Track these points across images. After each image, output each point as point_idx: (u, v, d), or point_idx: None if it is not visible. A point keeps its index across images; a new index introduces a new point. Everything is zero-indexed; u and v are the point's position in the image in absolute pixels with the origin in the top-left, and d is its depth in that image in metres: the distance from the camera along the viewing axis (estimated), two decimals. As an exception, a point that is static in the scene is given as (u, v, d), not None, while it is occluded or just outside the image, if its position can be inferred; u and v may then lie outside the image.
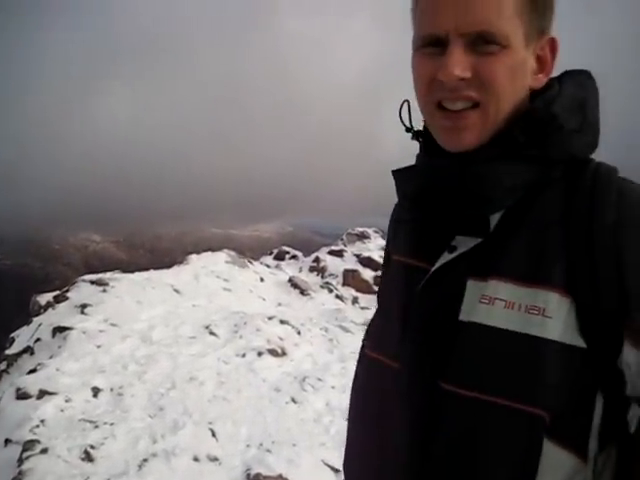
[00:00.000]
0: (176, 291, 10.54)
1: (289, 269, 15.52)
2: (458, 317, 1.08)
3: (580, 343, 1.02)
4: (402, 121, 1.23)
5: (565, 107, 1.10)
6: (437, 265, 1.14)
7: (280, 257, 16.79)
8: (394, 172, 1.21)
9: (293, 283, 13.66)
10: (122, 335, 7.80)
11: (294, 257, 16.77)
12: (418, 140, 1.24)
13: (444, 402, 1.06)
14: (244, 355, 7.71)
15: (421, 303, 1.14)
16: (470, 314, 1.07)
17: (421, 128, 1.25)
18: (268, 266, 15.48)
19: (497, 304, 1.05)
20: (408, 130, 1.24)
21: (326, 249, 16.45)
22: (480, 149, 1.08)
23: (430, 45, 1.07)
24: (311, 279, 14.68)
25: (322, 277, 14.90)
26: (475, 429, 1.03)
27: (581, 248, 1.03)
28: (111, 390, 6.22)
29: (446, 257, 1.13)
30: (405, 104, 1.22)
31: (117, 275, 10.79)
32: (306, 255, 16.76)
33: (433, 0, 1.06)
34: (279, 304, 12.14)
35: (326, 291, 13.82)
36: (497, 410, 1.01)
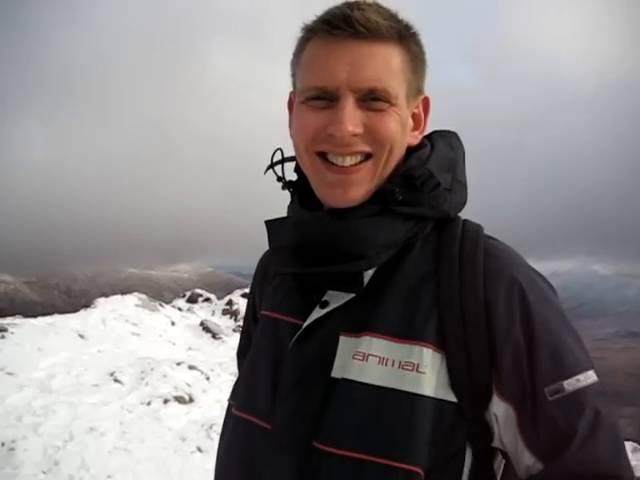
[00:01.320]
0: (81, 336, 10.17)
1: (202, 312, 15.28)
2: (331, 374, 1.07)
3: (451, 397, 1.03)
4: (274, 170, 1.21)
5: (438, 166, 1.13)
6: (309, 321, 1.11)
7: (193, 300, 16.51)
8: (267, 222, 1.19)
9: (205, 327, 13.45)
10: (18, 384, 7.39)
11: (207, 300, 16.55)
12: (289, 190, 1.23)
13: (319, 462, 1.03)
14: (149, 403, 7.47)
15: (293, 360, 1.12)
16: (343, 371, 1.06)
17: (293, 178, 1.24)
18: (180, 309, 15.18)
19: (371, 360, 1.04)
20: (280, 179, 1.22)
21: (240, 291, 16.31)
22: (360, 206, 1.09)
23: (318, 98, 1.08)
24: (224, 322, 14.51)
25: (235, 320, 14.72)
26: None
27: (452, 304, 1.05)
28: (2, 445, 5.87)
29: (318, 312, 1.11)
30: (278, 152, 1.21)
31: (17, 320, 10.30)
32: (221, 297, 16.56)
33: (324, 54, 1.07)
34: (189, 348, 11.89)
35: (238, 335, 13.61)
36: (373, 468, 1.00)
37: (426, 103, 1.19)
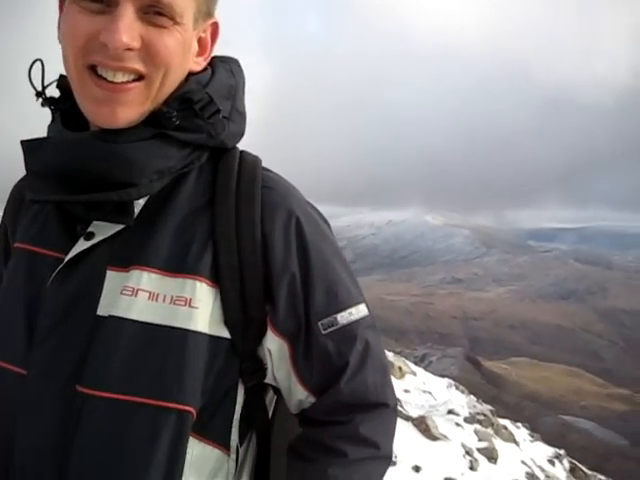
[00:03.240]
0: None
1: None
2: (97, 312, 0.99)
3: (225, 334, 1.01)
4: (32, 84, 1.05)
5: (218, 92, 1.07)
6: (72, 254, 1.01)
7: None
8: (23, 143, 1.03)
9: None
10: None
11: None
12: (50, 108, 1.08)
13: (83, 407, 0.96)
14: None
15: (52, 299, 1.01)
16: (110, 308, 0.98)
17: (55, 94, 1.08)
18: None
19: (140, 295, 0.98)
20: (39, 95, 1.06)
21: None
22: (132, 128, 0.99)
23: (93, 0, 0.94)
24: None
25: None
26: (120, 431, 0.96)
27: (228, 237, 1.03)
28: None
29: (83, 244, 1.01)
30: (38, 63, 1.04)
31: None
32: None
33: None
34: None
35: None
36: (143, 410, 0.96)
37: (215, 28, 1.10)
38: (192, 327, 0.99)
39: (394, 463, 6.89)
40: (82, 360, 0.98)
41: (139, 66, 0.96)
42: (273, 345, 1.07)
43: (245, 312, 1.03)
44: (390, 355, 11.15)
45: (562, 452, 10.15)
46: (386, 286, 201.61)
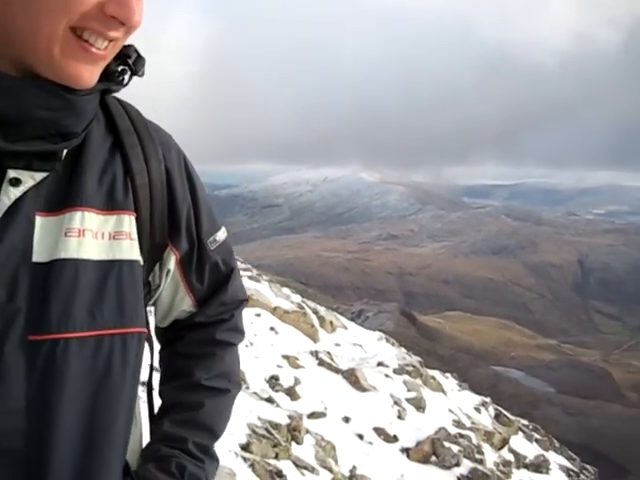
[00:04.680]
0: None
1: None
2: (32, 259, 0.97)
3: (141, 260, 1.11)
4: None
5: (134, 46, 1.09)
6: (3, 206, 0.95)
7: None
8: None
9: None
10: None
11: None
12: None
13: (55, 354, 0.96)
14: None
15: None
16: (53, 252, 0.99)
17: None
18: None
19: (87, 235, 1.02)
20: None
21: None
22: None
23: None
24: None
25: None
26: (99, 367, 1.01)
27: (141, 173, 1.13)
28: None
29: (10, 192, 0.96)
30: None
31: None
32: None
33: None
34: None
35: None
36: (112, 341, 1.02)
37: None
38: (135, 257, 1.10)
39: (324, 414, 7.08)
40: (35, 309, 0.97)
41: (120, 34, 0.98)
42: (171, 265, 1.22)
43: (154, 239, 1.16)
44: (322, 310, 11.14)
45: (488, 400, 10.67)
46: (323, 243, 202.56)
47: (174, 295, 1.27)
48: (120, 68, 1.07)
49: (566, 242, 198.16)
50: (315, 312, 10.57)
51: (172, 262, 1.22)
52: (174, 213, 1.19)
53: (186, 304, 1.29)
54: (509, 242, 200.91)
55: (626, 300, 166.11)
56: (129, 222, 1.09)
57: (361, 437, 7.05)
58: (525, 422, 11.88)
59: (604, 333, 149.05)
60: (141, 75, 1.10)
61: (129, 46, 1.07)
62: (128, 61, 1.07)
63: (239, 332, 1.38)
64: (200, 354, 1.30)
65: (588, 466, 11.77)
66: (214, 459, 1.27)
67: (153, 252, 1.17)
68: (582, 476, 10.86)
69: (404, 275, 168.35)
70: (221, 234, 1.31)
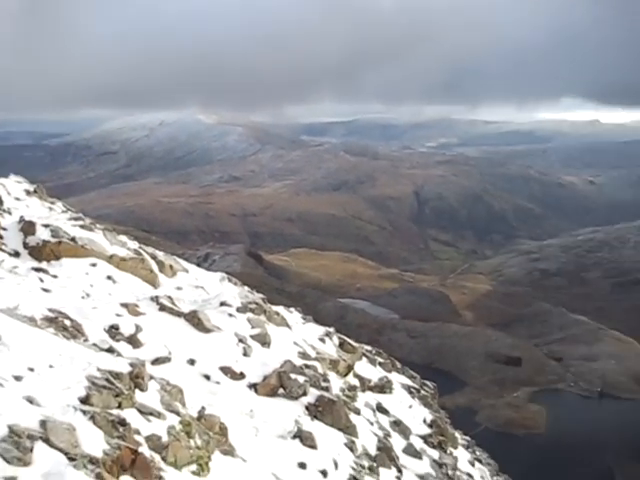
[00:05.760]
0: None
1: None
2: None
3: None
4: None
5: None
6: None
7: None
8: None
9: None
10: None
11: None
12: None
13: None
14: None
15: None
16: None
17: None
18: None
19: None
20: None
21: None
22: None
23: None
24: None
25: None
26: None
27: None
28: None
29: None
30: None
31: None
32: None
33: None
34: None
35: None
36: None
37: None
38: None
39: (168, 359, 6.96)
40: None
41: None
42: None
43: None
44: (160, 255, 10.78)
45: (332, 330, 10.88)
46: (163, 188, 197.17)
47: None
48: None
49: (402, 175, 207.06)
50: (153, 257, 10.19)
51: None
52: None
53: None
54: (348, 177, 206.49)
55: (458, 227, 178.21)
56: None
57: (208, 378, 7.05)
58: (369, 348, 12.41)
59: (440, 259, 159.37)
60: None
61: None
62: None
63: None
64: None
65: (428, 382, 12.73)
66: None
67: None
68: (422, 392, 11.70)
69: (248, 216, 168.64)
70: None
